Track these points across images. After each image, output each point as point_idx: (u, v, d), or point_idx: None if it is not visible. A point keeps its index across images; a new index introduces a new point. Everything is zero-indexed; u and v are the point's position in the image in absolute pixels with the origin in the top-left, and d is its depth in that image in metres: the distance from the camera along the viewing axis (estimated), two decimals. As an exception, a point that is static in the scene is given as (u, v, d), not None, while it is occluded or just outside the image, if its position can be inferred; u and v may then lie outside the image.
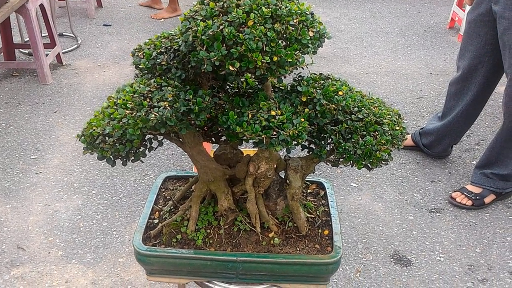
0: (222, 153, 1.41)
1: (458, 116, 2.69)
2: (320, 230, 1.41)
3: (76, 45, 4.36)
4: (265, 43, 1.07)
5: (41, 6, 3.77)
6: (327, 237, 1.39)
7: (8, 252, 2.29)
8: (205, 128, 1.44)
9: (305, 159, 1.37)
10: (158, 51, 1.20)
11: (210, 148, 2.40)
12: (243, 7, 1.09)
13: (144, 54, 1.21)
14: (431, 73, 3.98)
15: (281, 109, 1.13)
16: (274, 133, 1.10)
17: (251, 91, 1.30)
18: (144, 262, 1.33)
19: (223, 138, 1.48)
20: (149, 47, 1.23)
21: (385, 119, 1.29)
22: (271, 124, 1.09)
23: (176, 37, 1.22)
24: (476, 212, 2.54)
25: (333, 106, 1.16)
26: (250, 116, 1.12)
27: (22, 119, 3.33)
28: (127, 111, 1.11)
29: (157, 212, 1.47)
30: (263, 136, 1.09)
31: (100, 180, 2.78)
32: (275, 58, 1.07)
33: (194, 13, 1.13)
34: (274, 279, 1.35)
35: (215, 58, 1.06)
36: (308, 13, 1.15)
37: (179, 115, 1.11)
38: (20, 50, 4.23)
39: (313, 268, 1.31)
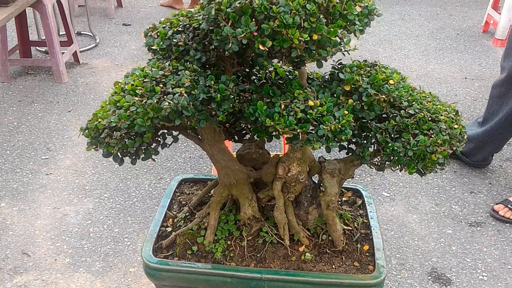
0: (246, 153, 1.22)
1: (502, 121, 2.46)
2: (359, 245, 1.21)
3: (94, 44, 4.23)
4: (304, 17, 0.88)
5: (59, 3, 3.64)
6: (367, 254, 1.19)
7: (12, 258, 2.13)
8: (227, 125, 1.26)
9: (343, 162, 1.17)
10: (175, 29, 1.02)
11: (231, 147, 2.21)
12: (277, -25, 0.90)
13: (158, 34, 1.03)
14: (465, 78, 3.74)
15: (320, 100, 0.94)
16: (312, 127, 0.90)
17: (281, 82, 1.11)
18: (154, 276, 1.15)
19: (247, 136, 1.29)
20: (164, 25, 1.05)
21: (441, 115, 1.09)
22: (308, 116, 0.90)
23: (196, 15, 1.04)
24: (522, 227, 2.31)
25: (383, 96, 0.97)
26: (282, 106, 0.93)
27: (35, 118, 3.18)
28: (136, 98, 0.93)
29: (170, 219, 1.29)
30: (298, 130, 0.90)
31: (113, 183, 2.61)
32: (315, 37, 0.88)
33: (218, -18, 0.95)
34: (305, 301, 1.15)
35: (242, 35, 0.88)
36: (354, -16, 0.96)
37: (197, 104, 0.93)
38: (37, 48, 4.11)
39: (352, 290, 1.11)
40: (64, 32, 3.84)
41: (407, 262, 2.13)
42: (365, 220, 1.29)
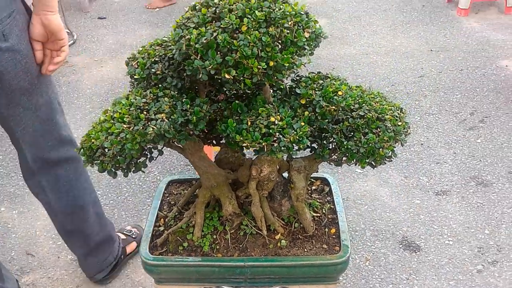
0: (223, 157, 1.40)
1: None
2: (326, 229, 1.39)
3: (72, 41, 4.31)
4: (260, 48, 1.04)
5: (34, 5, 3.73)
6: (334, 236, 1.38)
7: (18, 259, 2.30)
8: (205, 130, 1.43)
9: (307, 159, 1.35)
10: (152, 60, 1.18)
11: (212, 151, 2.36)
12: (236, 12, 1.06)
13: (138, 64, 1.19)
14: (431, 50, 3.92)
15: (281, 114, 1.11)
16: (275, 139, 1.08)
17: (249, 92, 1.28)
18: (152, 271, 1.33)
19: (224, 140, 1.46)
20: (143, 56, 1.21)
21: (387, 114, 1.27)
22: (271, 130, 1.07)
23: (170, 45, 1.20)
24: (483, 192, 2.52)
25: (333, 107, 1.14)
26: (249, 123, 1.10)
27: (23, 121, 3.31)
28: (125, 126, 1.09)
29: (162, 219, 1.46)
30: (263, 143, 1.07)
31: (104, 180, 2.77)
32: (271, 63, 1.05)
33: (186, 20, 1.10)
34: (284, 281, 1.34)
35: (210, 67, 1.04)
36: (302, 13, 1.12)
37: (177, 127, 1.09)
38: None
39: (322, 269, 1.30)
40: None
41: (380, 233, 2.34)
42: (332, 206, 1.47)
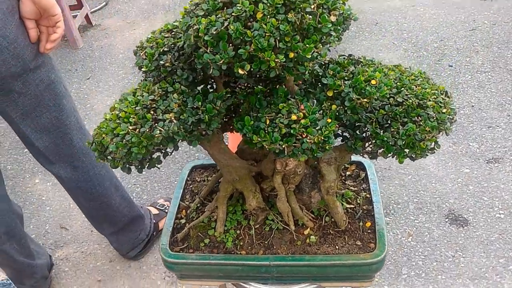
0: (246, 147, 1.28)
1: None
2: (361, 223, 1.28)
3: (104, 3, 4.22)
4: (278, 38, 0.90)
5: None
6: (369, 230, 1.26)
7: (52, 232, 2.30)
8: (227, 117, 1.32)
9: (338, 150, 1.22)
10: (161, 50, 1.06)
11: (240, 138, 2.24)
12: (250, -4, 0.92)
13: (146, 54, 1.07)
14: (484, 0, 3.61)
15: (305, 109, 0.98)
16: (296, 140, 0.95)
17: (272, 78, 1.15)
18: (173, 269, 1.26)
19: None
20: (151, 45, 1.09)
21: (429, 100, 1.11)
22: (292, 131, 0.95)
23: (180, 32, 1.07)
24: (540, 160, 2.32)
25: (365, 100, 1.00)
26: (267, 122, 0.97)
27: (57, 88, 3.28)
28: (130, 127, 0.98)
29: (184, 210, 1.38)
30: (284, 145, 0.95)
31: (137, 149, 2.71)
32: (291, 55, 0.91)
33: (195, 7, 0.97)
34: (313, 279, 1.25)
35: (221, 62, 0.91)
36: (328, -8, 0.96)
37: (187, 127, 0.98)
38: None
39: (354, 269, 1.19)
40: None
41: (425, 206, 2.20)
42: (368, 195, 1.34)
